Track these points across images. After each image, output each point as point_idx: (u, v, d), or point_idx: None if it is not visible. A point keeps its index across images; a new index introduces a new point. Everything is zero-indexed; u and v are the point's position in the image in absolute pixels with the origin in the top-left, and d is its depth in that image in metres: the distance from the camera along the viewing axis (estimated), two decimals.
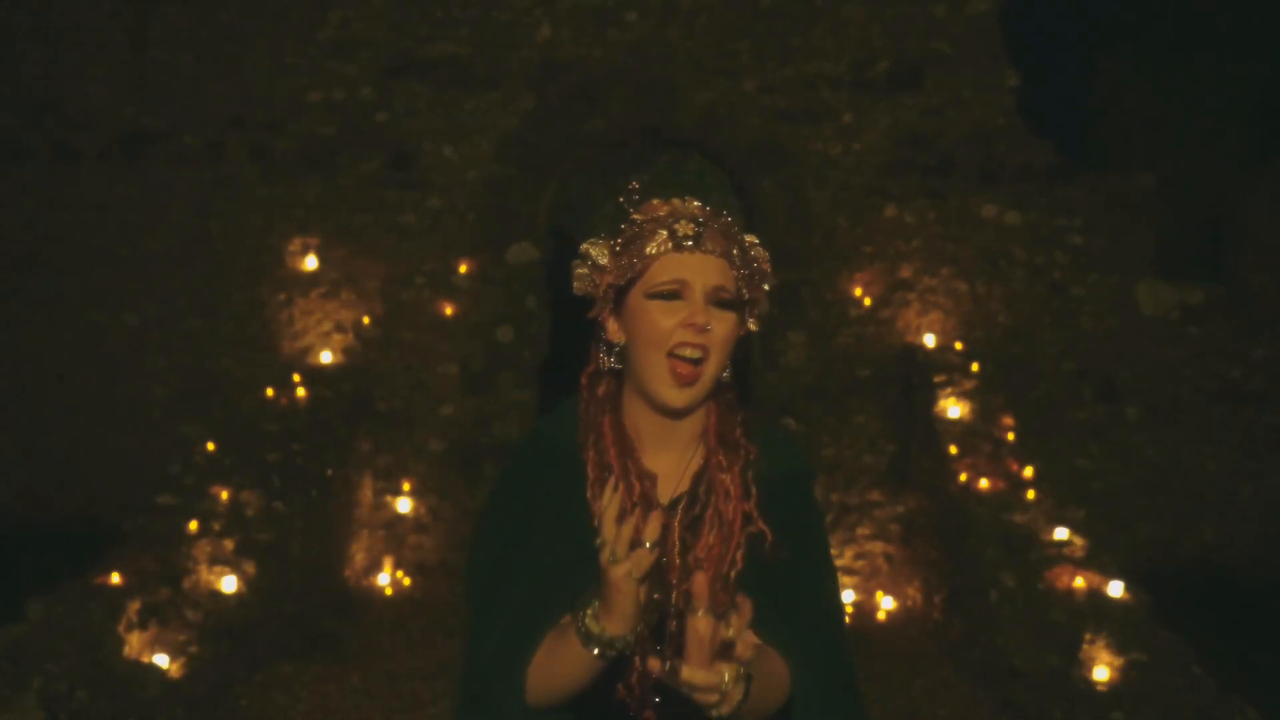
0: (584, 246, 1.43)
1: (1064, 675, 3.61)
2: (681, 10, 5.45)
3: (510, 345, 5.52)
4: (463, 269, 5.51)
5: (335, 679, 4.06)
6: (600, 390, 1.44)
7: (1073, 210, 5.48)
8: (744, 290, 1.40)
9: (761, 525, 1.36)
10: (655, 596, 1.32)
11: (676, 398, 1.36)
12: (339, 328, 5.54)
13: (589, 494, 1.39)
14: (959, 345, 5.36)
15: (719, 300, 1.36)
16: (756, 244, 1.43)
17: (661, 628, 1.34)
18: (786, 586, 1.39)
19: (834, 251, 5.49)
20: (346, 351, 5.51)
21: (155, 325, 5.64)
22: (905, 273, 5.49)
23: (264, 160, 5.54)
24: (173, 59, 5.57)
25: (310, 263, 5.53)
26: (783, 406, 5.40)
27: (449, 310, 5.51)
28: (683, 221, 1.37)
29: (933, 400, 5.03)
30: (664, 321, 1.35)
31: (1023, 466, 4.61)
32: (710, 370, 1.36)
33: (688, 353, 1.34)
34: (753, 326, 1.45)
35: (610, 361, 1.41)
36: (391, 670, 4.19)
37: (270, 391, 5.01)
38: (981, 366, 5.16)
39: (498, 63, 5.47)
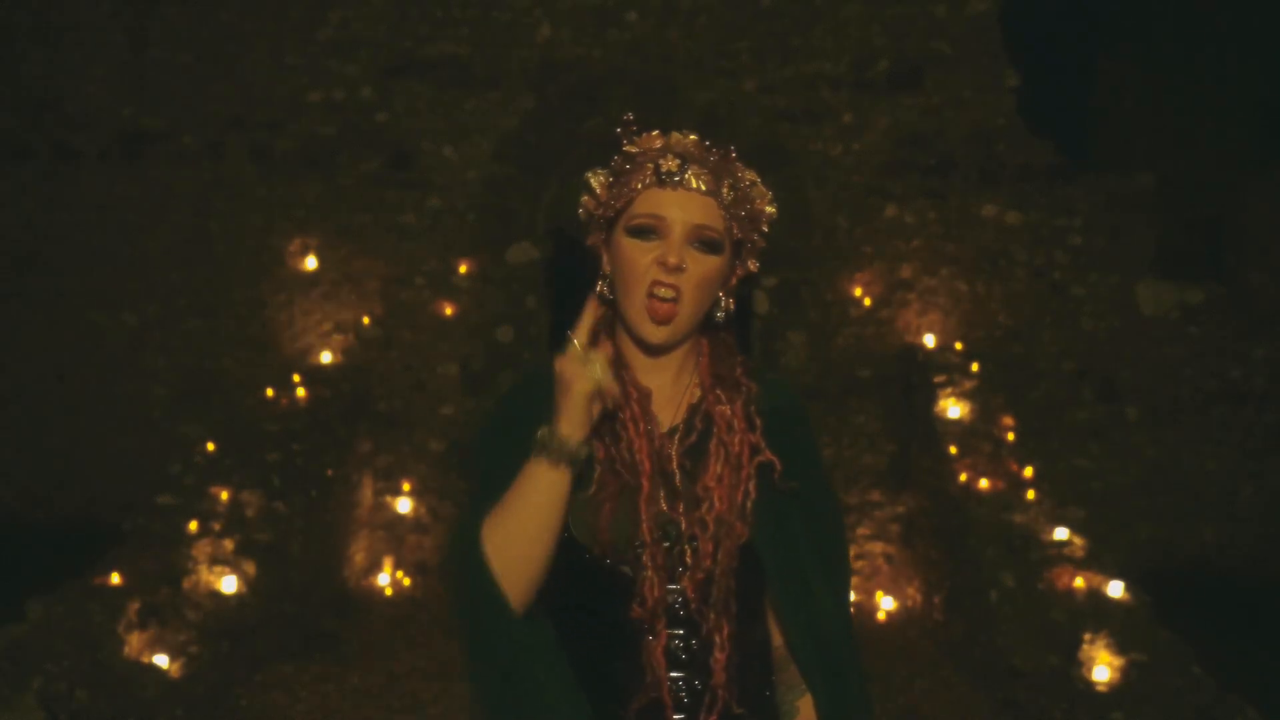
0: (585, 175, 1.43)
1: (1064, 675, 3.61)
2: (681, 10, 5.45)
3: (510, 345, 5.52)
4: (463, 269, 5.51)
5: (335, 679, 4.06)
6: (602, 314, 1.43)
7: (1073, 210, 5.48)
8: (735, 229, 1.37)
9: (770, 455, 1.36)
10: (662, 508, 1.34)
11: (653, 333, 1.35)
12: (339, 328, 5.54)
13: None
14: (959, 345, 5.36)
15: (701, 239, 1.34)
16: (757, 182, 1.39)
17: (670, 554, 1.34)
18: (801, 521, 1.39)
19: (834, 251, 5.49)
20: (346, 351, 5.51)
21: (155, 325, 5.64)
22: (905, 273, 5.49)
23: (264, 160, 5.54)
24: (173, 59, 5.57)
25: (310, 263, 5.53)
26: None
27: (449, 310, 5.51)
28: (669, 157, 1.34)
29: (933, 400, 5.03)
30: (640, 259, 1.33)
31: (1023, 466, 4.61)
32: (687, 310, 1.34)
33: (661, 292, 1.33)
34: (753, 267, 1.43)
35: (604, 289, 1.40)
36: (391, 670, 4.19)
37: (270, 391, 5.01)
38: (981, 366, 5.15)
39: (498, 63, 5.47)
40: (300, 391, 5.01)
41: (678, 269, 1.32)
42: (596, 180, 1.40)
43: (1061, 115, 8.19)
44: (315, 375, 5.21)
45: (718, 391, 1.40)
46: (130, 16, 5.58)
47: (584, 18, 5.46)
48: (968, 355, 5.26)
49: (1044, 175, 5.46)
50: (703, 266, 1.34)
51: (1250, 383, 5.58)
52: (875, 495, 5.50)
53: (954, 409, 4.96)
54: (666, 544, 1.34)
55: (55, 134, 5.65)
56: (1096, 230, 5.49)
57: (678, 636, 1.34)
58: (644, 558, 1.31)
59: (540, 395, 1.38)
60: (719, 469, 1.35)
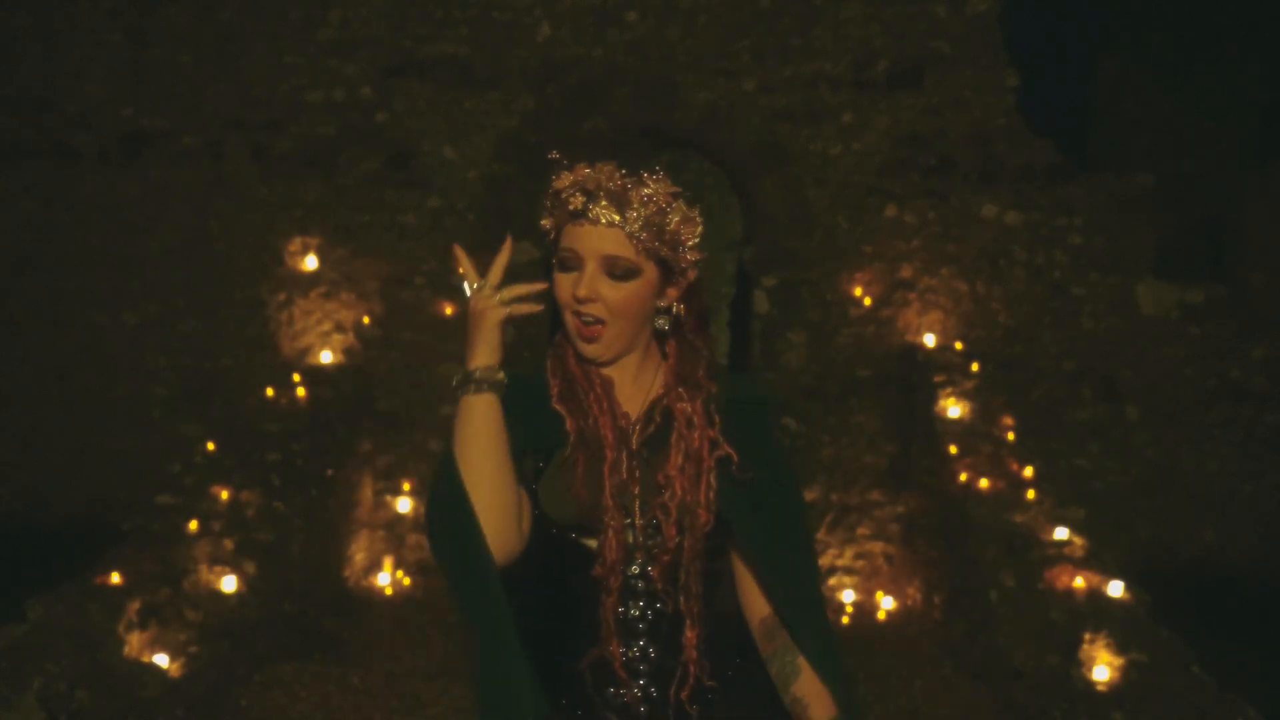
0: (544, 200, 1.55)
1: (1064, 675, 3.61)
2: (681, 10, 5.45)
3: (510, 345, 5.48)
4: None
5: (335, 679, 4.06)
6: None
7: (1073, 210, 5.48)
8: (654, 250, 1.44)
9: (727, 449, 1.47)
10: (623, 478, 1.44)
11: (584, 349, 1.48)
12: (339, 328, 5.54)
13: (554, 400, 1.50)
14: (959, 345, 5.36)
15: (611, 269, 1.44)
16: (674, 202, 1.45)
17: (625, 536, 1.44)
18: (766, 503, 1.51)
19: (834, 251, 5.49)
20: (346, 351, 5.51)
21: (155, 325, 5.64)
22: (905, 273, 5.49)
23: (264, 160, 5.54)
24: (173, 59, 5.57)
25: (310, 263, 5.53)
26: (783, 406, 5.40)
27: (449, 310, 5.51)
28: (576, 194, 1.45)
29: (933, 400, 5.03)
30: (562, 290, 1.48)
31: (1023, 466, 4.61)
32: (613, 330, 1.46)
33: (583, 319, 1.46)
34: (690, 277, 1.51)
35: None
36: (391, 670, 4.19)
37: (270, 391, 5.01)
38: (981, 366, 5.15)
39: (498, 63, 5.47)
40: (300, 391, 5.01)
41: (587, 300, 1.44)
42: (543, 215, 1.54)
43: (1061, 115, 8.20)
44: (315, 375, 5.21)
45: (680, 390, 1.51)
46: (130, 16, 5.58)
47: (584, 18, 5.46)
48: (968, 355, 5.26)
49: (1044, 175, 5.46)
50: (619, 292, 1.45)
51: (1250, 383, 5.58)
52: (875, 495, 5.50)
53: (954, 409, 4.96)
54: (627, 520, 1.45)
55: (55, 134, 5.64)
56: (1096, 230, 5.48)
57: (635, 608, 1.45)
58: (605, 519, 1.43)
59: (519, 394, 1.49)
60: (680, 460, 1.46)
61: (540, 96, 5.47)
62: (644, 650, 1.45)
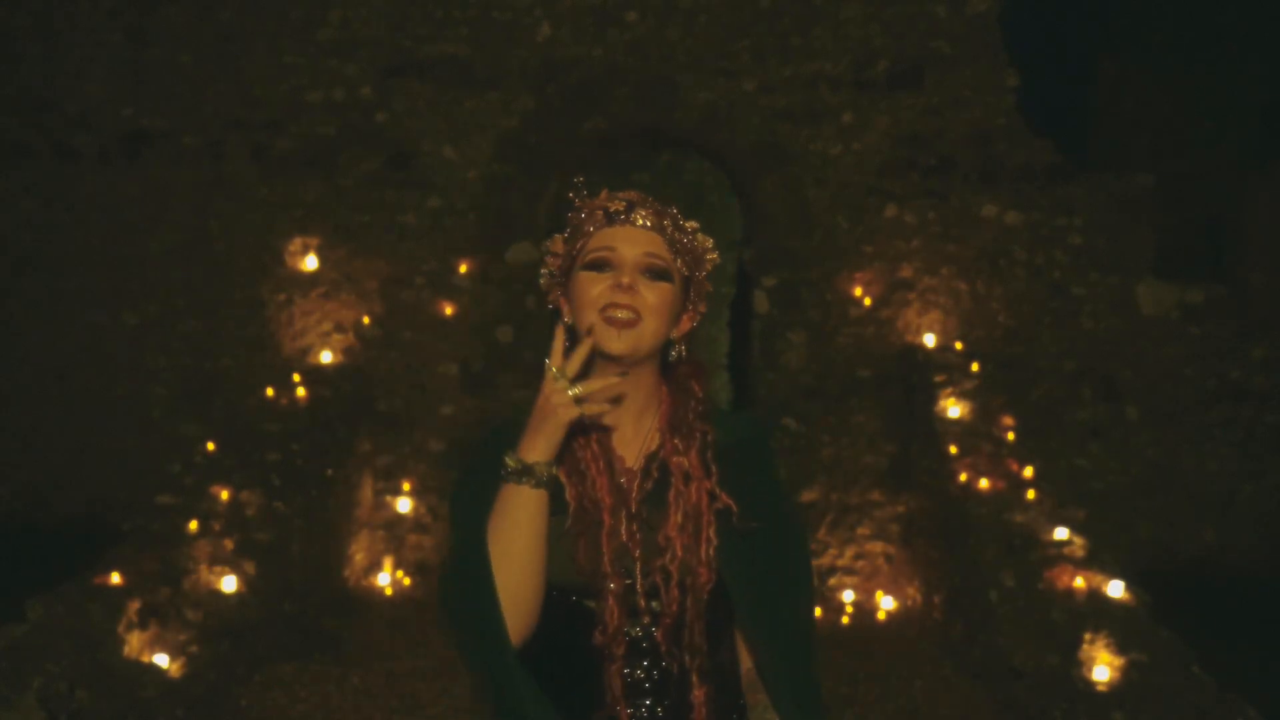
0: (545, 242, 1.56)
1: (1064, 675, 3.61)
2: (681, 10, 5.45)
3: (510, 345, 5.52)
4: (463, 269, 5.51)
5: (335, 679, 4.06)
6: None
7: (1073, 210, 5.48)
8: (681, 265, 1.48)
9: (727, 500, 1.44)
10: (623, 541, 1.40)
11: (614, 341, 1.40)
12: (339, 328, 5.54)
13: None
14: (959, 345, 5.36)
15: (650, 268, 1.44)
16: (698, 229, 1.51)
17: (628, 591, 1.41)
18: (765, 552, 1.47)
19: (834, 251, 5.49)
20: (346, 351, 5.51)
21: (155, 325, 5.64)
22: (905, 273, 5.49)
23: (264, 160, 5.54)
24: (173, 59, 5.57)
25: (310, 263, 5.53)
26: (783, 406, 5.41)
27: (449, 310, 5.52)
28: (616, 200, 1.47)
29: (933, 400, 5.03)
30: (593, 288, 1.43)
31: (1023, 466, 4.61)
32: (648, 326, 1.42)
33: (618, 313, 1.41)
34: (701, 309, 1.53)
35: (566, 342, 1.45)
36: (391, 670, 4.19)
37: (270, 391, 5.02)
38: (981, 366, 5.15)
39: (498, 63, 5.47)
40: (300, 391, 5.02)
41: (630, 289, 1.41)
42: (554, 242, 1.53)
43: (1061, 115, 8.20)
44: (315, 375, 5.21)
45: (675, 441, 1.47)
46: (130, 16, 5.58)
47: (584, 18, 5.46)
48: (968, 355, 5.26)
49: (1044, 175, 5.46)
50: (655, 292, 1.44)
51: (1250, 383, 5.58)
52: (875, 495, 5.50)
53: (954, 409, 4.96)
54: (628, 581, 1.42)
55: (55, 134, 5.64)
56: (1096, 230, 5.49)
57: (640, 668, 1.43)
58: (605, 589, 1.40)
59: (513, 447, 1.41)
60: (679, 519, 1.43)
61: (540, 96, 5.47)
62: (651, 710, 1.43)
